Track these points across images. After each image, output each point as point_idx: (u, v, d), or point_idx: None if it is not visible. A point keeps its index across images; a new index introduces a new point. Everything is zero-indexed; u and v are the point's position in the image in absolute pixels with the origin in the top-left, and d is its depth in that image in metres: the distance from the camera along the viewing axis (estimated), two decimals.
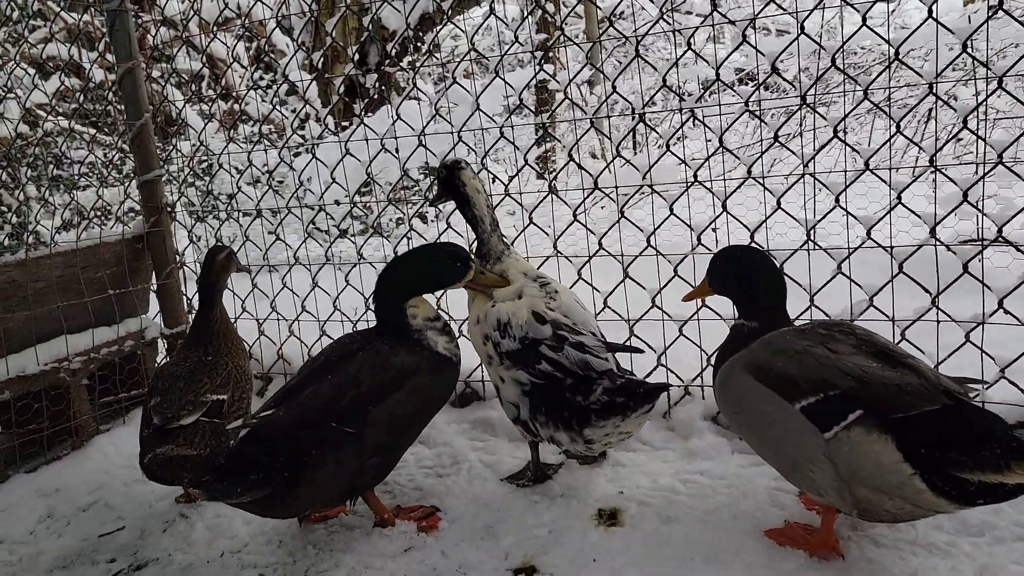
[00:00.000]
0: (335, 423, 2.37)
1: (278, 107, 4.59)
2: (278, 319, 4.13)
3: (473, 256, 2.76)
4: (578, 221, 3.40)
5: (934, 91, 2.67)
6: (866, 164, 2.79)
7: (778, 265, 2.48)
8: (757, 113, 3.10)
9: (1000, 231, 2.63)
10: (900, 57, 2.71)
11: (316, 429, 2.36)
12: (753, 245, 2.75)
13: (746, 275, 2.44)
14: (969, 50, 2.57)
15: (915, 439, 1.90)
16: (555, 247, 3.44)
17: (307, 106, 4.25)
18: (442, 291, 2.84)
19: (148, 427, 2.79)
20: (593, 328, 2.70)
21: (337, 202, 4.34)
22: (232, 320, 3.31)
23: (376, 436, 2.44)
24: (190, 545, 2.72)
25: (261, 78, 9.13)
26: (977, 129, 2.97)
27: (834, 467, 2.01)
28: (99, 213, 7.24)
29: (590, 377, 2.51)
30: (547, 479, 2.84)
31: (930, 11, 2.57)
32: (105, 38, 4.10)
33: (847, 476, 2.00)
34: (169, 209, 4.16)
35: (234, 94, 6.29)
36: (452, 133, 3.57)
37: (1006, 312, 2.63)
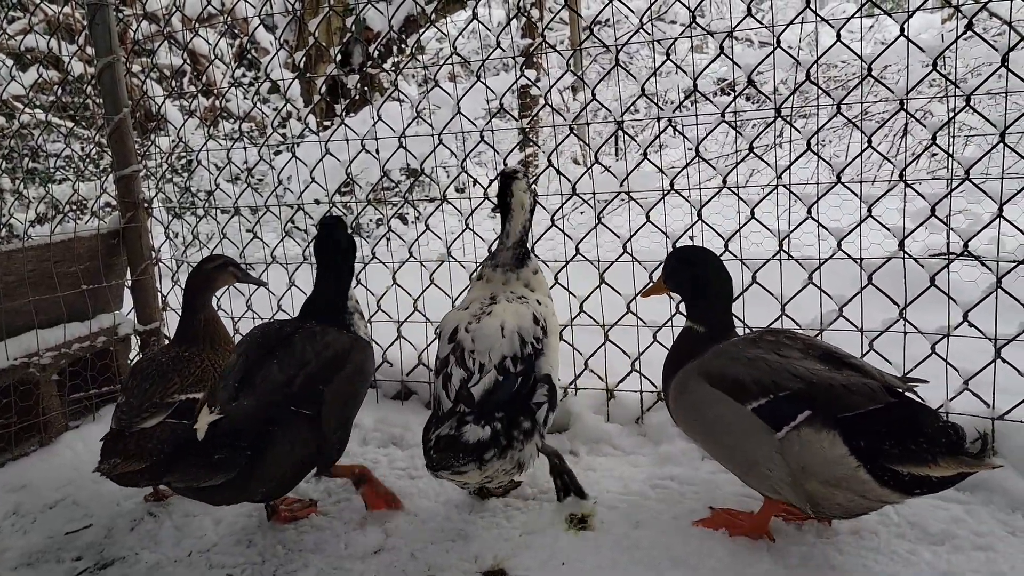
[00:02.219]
0: (293, 406, 2.45)
1: (259, 105, 4.57)
2: (253, 317, 4.11)
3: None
4: (556, 226, 3.42)
5: (904, 107, 2.73)
6: (838, 177, 2.84)
7: (726, 268, 2.56)
8: (733, 124, 3.13)
9: (966, 245, 2.68)
10: (873, 73, 2.76)
11: (275, 413, 2.42)
12: (705, 247, 2.79)
13: (695, 275, 2.53)
14: (940, 68, 2.62)
15: (859, 434, 2.01)
16: (533, 251, 3.46)
17: (288, 105, 4.23)
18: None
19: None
20: (492, 359, 2.43)
21: (317, 201, 4.33)
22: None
23: (335, 412, 2.55)
24: (157, 544, 2.70)
25: (244, 75, 9.08)
26: (949, 145, 3.03)
27: (787, 464, 2.11)
28: (74, 207, 7.16)
29: (437, 414, 2.44)
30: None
31: (902, 29, 2.62)
32: (85, 31, 4.07)
33: (797, 472, 2.10)
34: (146, 205, 4.13)
35: (215, 90, 6.26)
36: (433, 136, 3.58)
37: (971, 325, 2.69)
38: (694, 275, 2.52)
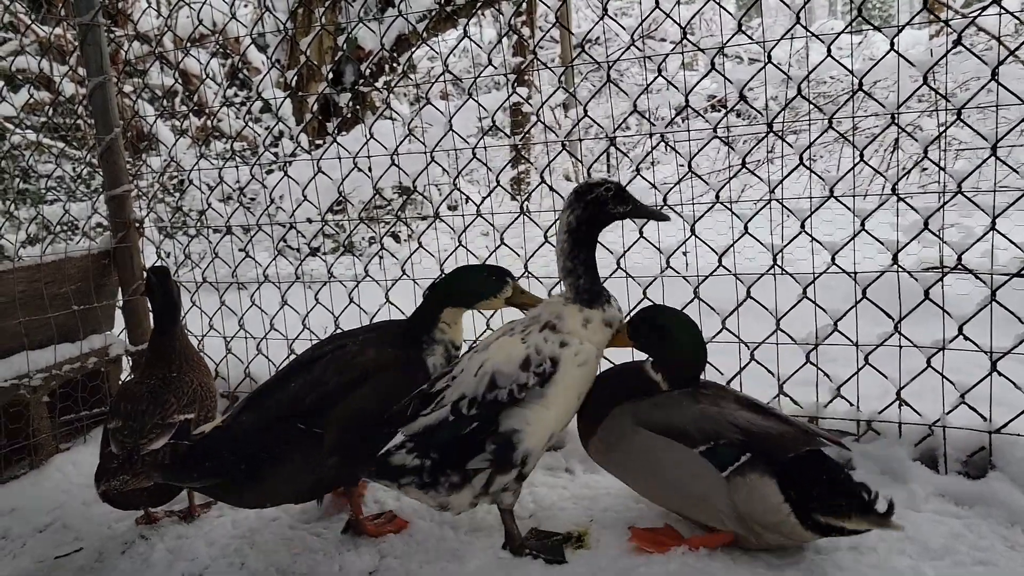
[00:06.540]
0: (300, 423, 2.43)
1: (251, 124, 4.57)
2: (246, 337, 4.09)
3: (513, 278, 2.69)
4: (549, 243, 3.41)
5: (895, 121, 2.74)
6: (830, 191, 2.84)
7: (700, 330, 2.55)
8: (725, 140, 3.14)
9: (959, 259, 2.68)
10: (863, 88, 2.77)
11: (279, 428, 2.42)
12: (668, 308, 2.63)
13: (664, 342, 2.50)
14: (930, 82, 2.63)
15: (791, 484, 2.22)
16: (526, 267, 3.45)
17: (280, 123, 4.23)
18: (482, 306, 2.75)
19: (106, 452, 2.73)
20: (453, 396, 2.32)
21: (309, 220, 4.32)
22: (200, 337, 3.27)
23: (335, 434, 2.45)
24: (149, 567, 2.66)
25: (235, 94, 9.10)
26: (940, 159, 3.04)
27: (733, 503, 2.27)
28: (65, 228, 7.13)
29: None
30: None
31: (892, 44, 2.63)
32: (77, 52, 4.07)
33: (744, 514, 2.26)
34: (137, 225, 4.11)
35: (207, 110, 6.26)
36: (425, 153, 3.58)
37: (966, 338, 2.68)
38: (663, 343, 2.50)
